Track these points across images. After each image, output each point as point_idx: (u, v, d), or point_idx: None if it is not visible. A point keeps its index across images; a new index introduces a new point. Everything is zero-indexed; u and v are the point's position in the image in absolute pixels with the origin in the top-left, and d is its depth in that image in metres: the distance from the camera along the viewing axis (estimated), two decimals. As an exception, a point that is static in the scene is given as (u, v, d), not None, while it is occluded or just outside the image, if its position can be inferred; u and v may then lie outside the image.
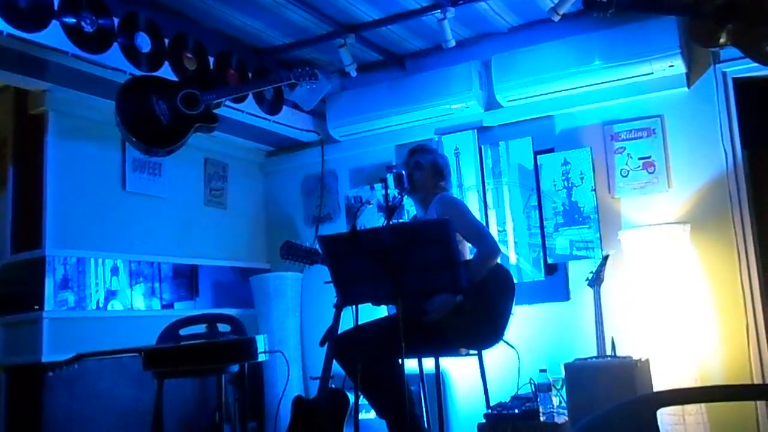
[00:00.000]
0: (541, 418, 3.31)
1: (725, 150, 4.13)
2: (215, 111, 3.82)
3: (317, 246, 3.33)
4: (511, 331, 3.46)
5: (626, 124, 4.37)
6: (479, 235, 3.41)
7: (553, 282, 4.46)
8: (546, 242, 4.47)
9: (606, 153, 4.41)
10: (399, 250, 2.74)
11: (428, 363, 3.66)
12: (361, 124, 5.00)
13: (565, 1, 3.78)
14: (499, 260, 3.42)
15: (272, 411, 4.75)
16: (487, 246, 3.35)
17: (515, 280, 3.52)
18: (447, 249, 2.73)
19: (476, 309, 3.23)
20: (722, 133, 4.15)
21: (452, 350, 3.41)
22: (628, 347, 3.87)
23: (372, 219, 4.95)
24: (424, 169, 3.59)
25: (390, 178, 4.59)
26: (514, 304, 3.39)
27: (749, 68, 4.03)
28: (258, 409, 4.95)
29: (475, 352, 3.52)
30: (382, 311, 4.57)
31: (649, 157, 4.30)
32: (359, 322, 3.11)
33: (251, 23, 4.31)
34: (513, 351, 3.65)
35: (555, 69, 4.34)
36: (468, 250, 3.52)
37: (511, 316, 3.34)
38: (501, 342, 3.36)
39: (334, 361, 3.39)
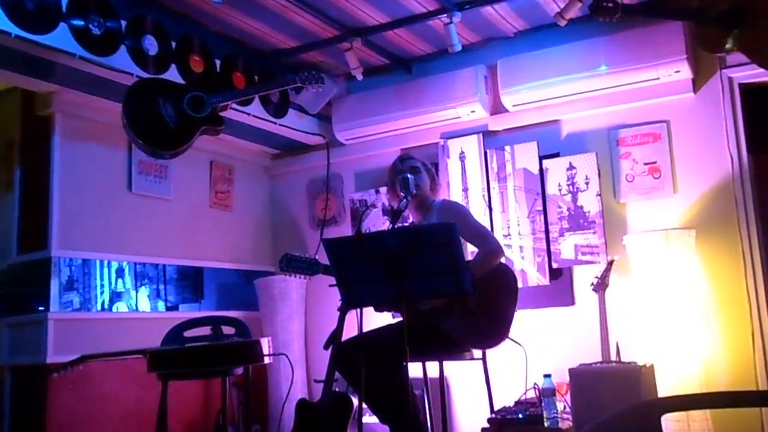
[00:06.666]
0: (545, 424, 3.30)
1: (731, 155, 4.12)
2: (221, 114, 3.83)
3: (321, 250, 3.32)
4: (516, 336, 3.46)
5: (632, 129, 4.37)
6: (482, 236, 3.41)
7: (558, 287, 4.45)
8: (551, 247, 4.47)
9: (611, 158, 4.41)
10: (404, 254, 2.73)
11: (432, 368, 3.66)
12: (366, 128, 5.00)
13: (571, 6, 3.78)
14: (503, 260, 3.42)
15: (276, 414, 4.75)
16: (490, 245, 3.36)
17: (520, 285, 3.51)
18: (452, 252, 2.72)
19: (480, 308, 3.22)
20: (728, 139, 4.14)
21: (457, 352, 3.40)
22: (632, 353, 3.86)
23: (377, 222, 4.96)
24: (421, 171, 3.60)
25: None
26: (517, 303, 3.39)
27: (755, 74, 4.03)
28: (262, 412, 4.95)
29: (480, 356, 3.52)
30: (385, 316, 4.58)
31: (654, 163, 4.29)
32: (363, 326, 3.10)
33: (258, 26, 4.32)
34: (516, 355, 3.65)
35: (561, 74, 4.33)
36: (469, 254, 3.52)
37: (514, 314, 3.33)
38: (506, 341, 3.35)
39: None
